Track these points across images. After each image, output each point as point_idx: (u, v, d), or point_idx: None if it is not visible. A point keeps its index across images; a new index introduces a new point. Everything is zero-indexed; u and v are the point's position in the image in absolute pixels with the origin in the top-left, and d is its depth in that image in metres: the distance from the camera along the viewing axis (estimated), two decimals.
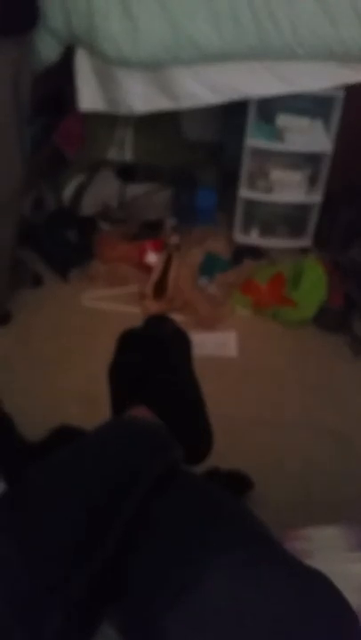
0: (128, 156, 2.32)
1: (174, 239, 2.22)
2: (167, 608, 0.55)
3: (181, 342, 1.18)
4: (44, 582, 0.61)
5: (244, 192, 2.20)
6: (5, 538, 0.64)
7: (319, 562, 0.64)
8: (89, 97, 1.96)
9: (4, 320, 2.04)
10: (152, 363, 1.14)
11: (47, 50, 1.85)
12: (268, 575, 0.56)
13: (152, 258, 2.15)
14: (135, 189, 2.37)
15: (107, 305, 2.12)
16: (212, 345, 1.96)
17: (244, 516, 0.73)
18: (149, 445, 0.87)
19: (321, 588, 0.57)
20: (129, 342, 1.18)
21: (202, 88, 1.88)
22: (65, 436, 1.42)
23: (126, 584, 0.64)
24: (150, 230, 2.29)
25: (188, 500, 0.76)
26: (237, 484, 1.48)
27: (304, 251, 2.31)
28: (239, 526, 0.69)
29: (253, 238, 2.31)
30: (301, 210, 2.28)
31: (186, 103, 1.91)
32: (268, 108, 2.03)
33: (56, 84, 2.11)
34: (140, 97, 1.90)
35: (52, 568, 0.63)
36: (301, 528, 0.90)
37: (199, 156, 2.47)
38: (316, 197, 2.19)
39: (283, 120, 2.05)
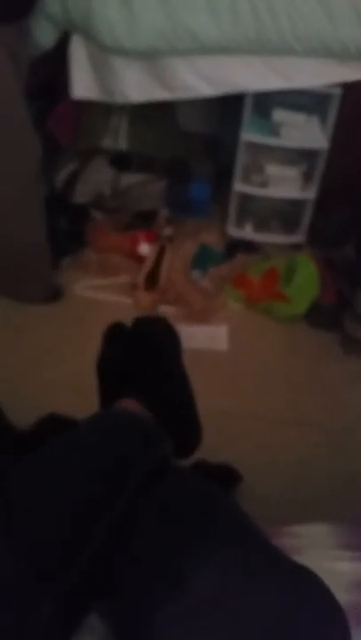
0: (123, 144, 2.30)
1: (167, 230, 2.21)
2: (158, 603, 0.55)
3: (170, 336, 1.18)
4: (31, 571, 0.61)
5: (239, 186, 2.19)
6: None
7: (307, 559, 0.64)
8: (83, 84, 1.94)
9: (57, 295, 2.06)
10: (141, 357, 1.13)
11: (43, 35, 1.82)
12: (259, 571, 0.56)
13: (145, 249, 2.13)
14: (129, 179, 2.35)
15: (99, 294, 2.10)
16: (202, 338, 1.96)
17: (234, 512, 0.73)
18: (140, 439, 0.87)
19: (309, 584, 0.58)
20: (117, 336, 1.17)
21: (198, 80, 1.87)
22: (54, 425, 1.41)
23: (116, 578, 0.64)
24: (143, 220, 2.27)
25: (178, 495, 0.75)
26: (225, 477, 1.48)
27: (297, 247, 2.31)
28: (229, 522, 0.69)
29: (247, 232, 2.31)
30: (296, 206, 2.28)
31: (181, 94, 1.91)
32: (265, 102, 2.03)
33: (50, 71, 2.09)
34: (136, 86, 1.89)
35: (40, 557, 0.63)
36: (290, 524, 0.90)
37: (194, 147, 2.46)
38: (311, 194, 2.19)
39: (279, 115, 2.05)
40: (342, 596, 0.63)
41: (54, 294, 2.06)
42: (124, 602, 0.62)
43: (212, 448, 1.34)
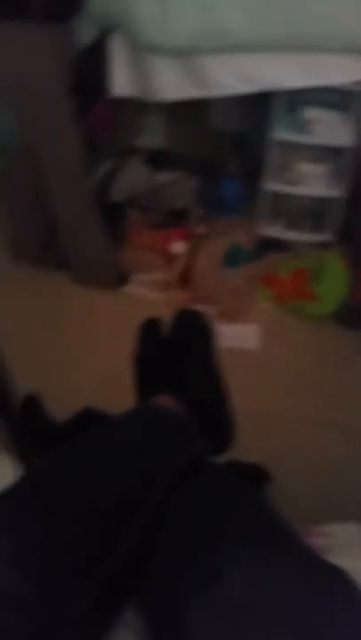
0: (158, 142, 2.33)
1: (200, 229, 2.23)
2: (189, 597, 0.56)
3: (205, 332, 1.20)
4: (69, 565, 0.63)
5: (269, 184, 2.20)
6: (30, 518, 0.65)
7: (339, 558, 0.65)
8: (121, 82, 1.98)
9: (123, 280, 2.16)
10: (176, 355, 1.16)
11: (83, 33, 1.86)
12: (289, 570, 0.57)
13: (178, 247, 2.16)
14: (163, 177, 2.38)
15: (134, 290, 2.16)
16: (234, 337, 1.98)
17: (266, 509, 0.74)
18: (174, 436, 0.89)
19: (339, 582, 0.58)
20: (152, 332, 1.20)
21: (231, 77, 1.89)
22: (89, 419, 1.45)
23: (150, 573, 0.66)
24: (177, 219, 2.30)
25: (211, 492, 0.77)
26: (256, 476, 1.50)
27: (327, 245, 2.31)
28: (262, 519, 0.71)
29: (278, 231, 2.32)
30: (325, 204, 2.28)
31: (215, 92, 1.93)
32: (295, 100, 2.04)
33: (89, 69, 2.13)
34: (171, 84, 1.92)
35: (78, 552, 0.64)
36: (322, 524, 0.92)
37: (226, 145, 2.47)
38: (341, 191, 2.19)
39: (309, 112, 2.05)
40: None
41: (120, 279, 2.17)
42: (157, 594, 0.63)
43: (242, 447, 1.36)
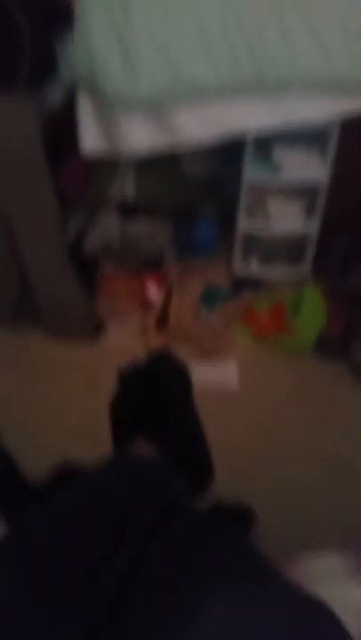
0: (130, 194, 2.38)
1: (174, 271, 2.26)
2: (168, 637, 0.56)
3: (182, 376, 1.21)
4: (43, 622, 0.63)
5: (243, 224, 2.25)
6: (7, 577, 0.66)
7: (319, 587, 0.65)
8: (92, 142, 2.00)
9: (99, 330, 2.19)
10: (152, 397, 1.17)
11: (51, 95, 1.91)
12: (267, 605, 0.57)
13: (154, 292, 2.19)
14: (136, 226, 2.42)
15: (110, 339, 2.17)
16: (213, 375, 1.99)
17: (244, 549, 0.75)
18: (150, 483, 0.89)
19: (319, 615, 0.58)
20: (129, 377, 1.21)
21: (201, 125, 1.92)
22: (67, 474, 1.43)
23: (127, 615, 0.66)
24: (152, 265, 2.34)
25: (187, 535, 0.77)
26: (242, 516, 1.48)
27: (303, 279, 2.35)
28: (238, 558, 0.71)
29: (253, 268, 2.36)
30: (299, 239, 2.32)
31: (186, 140, 1.95)
32: (265, 141, 2.08)
33: (59, 128, 2.19)
34: (142, 137, 1.94)
35: (54, 609, 0.65)
36: (299, 554, 0.91)
37: (198, 190, 2.52)
38: (314, 227, 2.24)
39: (280, 152, 2.10)
40: (355, 623, 0.64)
41: (96, 329, 2.19)
42: (134, 636, 0.63)
43: (226, 485, 1.36)
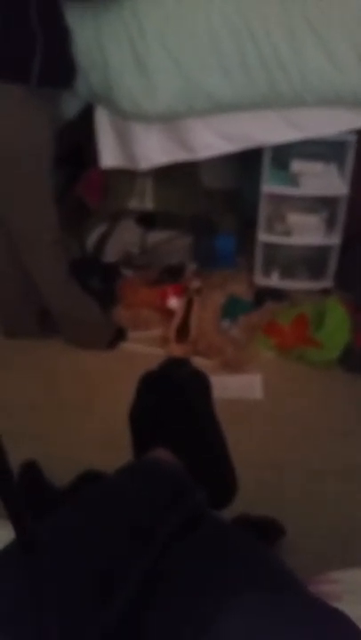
0: (148, 204, 2.38)
1: (195, 283, 2.25)
2: None
3: (200, 384, 1.19)
4: (60, 629, 0.61)
5: (263, 236, 2.23)
6: (21, 582, 0.64)
7: (347, 605, 0.62)
8: (109, 154, 2.02)
9: (120, 338, 2.17)
10: (171, 405, 1.14)
11: (67, 106, 1.93)
12: (286, 618, 0.55)
13: (174, 302, 2.18)
14: (156, 236, 2.42)
15: (131, 347, 2.16)
16: (236, 387, 1.95)
17: (266, 560, 0.72)
18: (171, 490, 0.87)
19: (342, 628, 0.55)
20: (148, 386, 1.19)
21: (217, 138, 1.93)
22: (91, 481, 1.42)
23: (146, 625, 0.64)
24: (171, 275, 2.33)
25: (209, 543, 0.75)
26: (268, 530, 1.45)
27: (326, 292, 2.31)
28: (257, 568, 0.69)
29: (274, 280, 2.33)
30: (321, 252, 2.30)
31: (202, 153, 1.97)
32: (283, 153, 2.08)
33: (76, 139, 2.20)
34: (158, 149, 1.96)
35: (72, 614, 0.63)
36: (330, 571, 0.87)
37: (217, 202, 2.52)
38: (335, 239, 2.21)
39: (297, 165, 2.10)
40: None
41: (116, 338, 2.17)
42: None
43: (251, 500, 1.32)
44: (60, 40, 1.67)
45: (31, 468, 1.55)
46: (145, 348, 2.13)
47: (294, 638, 0.52)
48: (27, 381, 2.04)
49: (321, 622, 0.55)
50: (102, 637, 0.62)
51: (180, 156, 1.98)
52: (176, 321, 2.10)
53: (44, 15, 1.55)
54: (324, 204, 2.19)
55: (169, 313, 2.17)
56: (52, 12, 1.60)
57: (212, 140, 1.94)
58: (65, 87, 1.78)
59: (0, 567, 0.67)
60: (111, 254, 2.40)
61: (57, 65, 1.68)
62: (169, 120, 1.88)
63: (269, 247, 2.27)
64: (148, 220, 2.42)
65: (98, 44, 1.74)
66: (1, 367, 2.08)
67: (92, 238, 2.41)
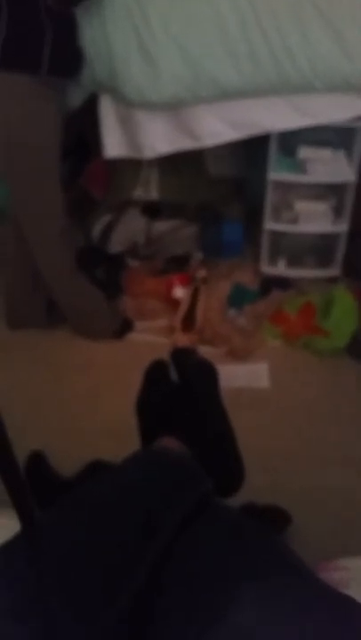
0: (154, 194, 2.37)
1: (201, 273, 2.24)
2: (197, 635, 0.54)
3: (207, 374, 1.19)
4: (70, 617, 0.61)
5: (270, 224, 2.21)
6: (29, 571, 0.64)
7: (356, 591, 0.62)
8: (114, 144, 2.00)
9: (127, 328, 2.17)
10: (178, 394, 1.14)
11: (72, 96, 1.92)
12: (300, 601, 0.55)
13: (179, 292, 2.17)
14: (161, 226, 2.41)
15: (138, 337, 2.15)
16: (243, 376, 1.95)
17: (275, 548, 0.72)
18: (179, 478, 0.87)
19: (353, 614, 0.56)
20: (155, 375, 1.19)
21: (223, 125, 1.91)
22: (97, 471, 1.42)
23: (155, 616, 0.63)
24: (177, 265, 2.32)
25: (217, 532, 0.75)
26: (275, 519, 1.45)
27: (333, 280, 2.30)
28: (268, 557, 0.68)
29: (281, 269, 2.32)
30: (328, 239, 2.28)
31: (208, 141, 1.95)
32: (290, 140, 2.06)
33: (82, 129, 2.19)
34: (163, 138, 1.94)
35: (80, 603, 0.63)
36: (338, 559, 0.87)
37: (223, 191, 2.50)
38: (343, 227, 2.19)
39: (304, 152, 2.08)
40: None
41: (123, 328, 2.17)
42: (164, 636, 0.61)
43: (258, 488, 1.32)
44: (68, 29, 1.67)
45: (38, 459, 1.55)
46: (151, 338, 2.13)
47: (306, 627, 0.52)
48: (34, 372, 2.04)
49: (333, 609, 0.55)
50: (111, 627, 0.62)
51: (186, 144, 1.97)
52: (182, 310, 2.10)
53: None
54: (331, 191, 2.17)
55: (175, 303, 2.16)
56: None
57: (217, 127, 1.92)
58: (73, 77, 1.77)
59: (6, 559, 0.67)
60: (117, 244, 2.40)
61: (66, 54, 1.68)
62: (174, 108, 1.87)
63: (276, 235, 2.26)
64: (153, 210, 2.41)
65: (102, 32, 1.73)
66: (8, 358, 2.08)
67: (98, 229, 2.40)
